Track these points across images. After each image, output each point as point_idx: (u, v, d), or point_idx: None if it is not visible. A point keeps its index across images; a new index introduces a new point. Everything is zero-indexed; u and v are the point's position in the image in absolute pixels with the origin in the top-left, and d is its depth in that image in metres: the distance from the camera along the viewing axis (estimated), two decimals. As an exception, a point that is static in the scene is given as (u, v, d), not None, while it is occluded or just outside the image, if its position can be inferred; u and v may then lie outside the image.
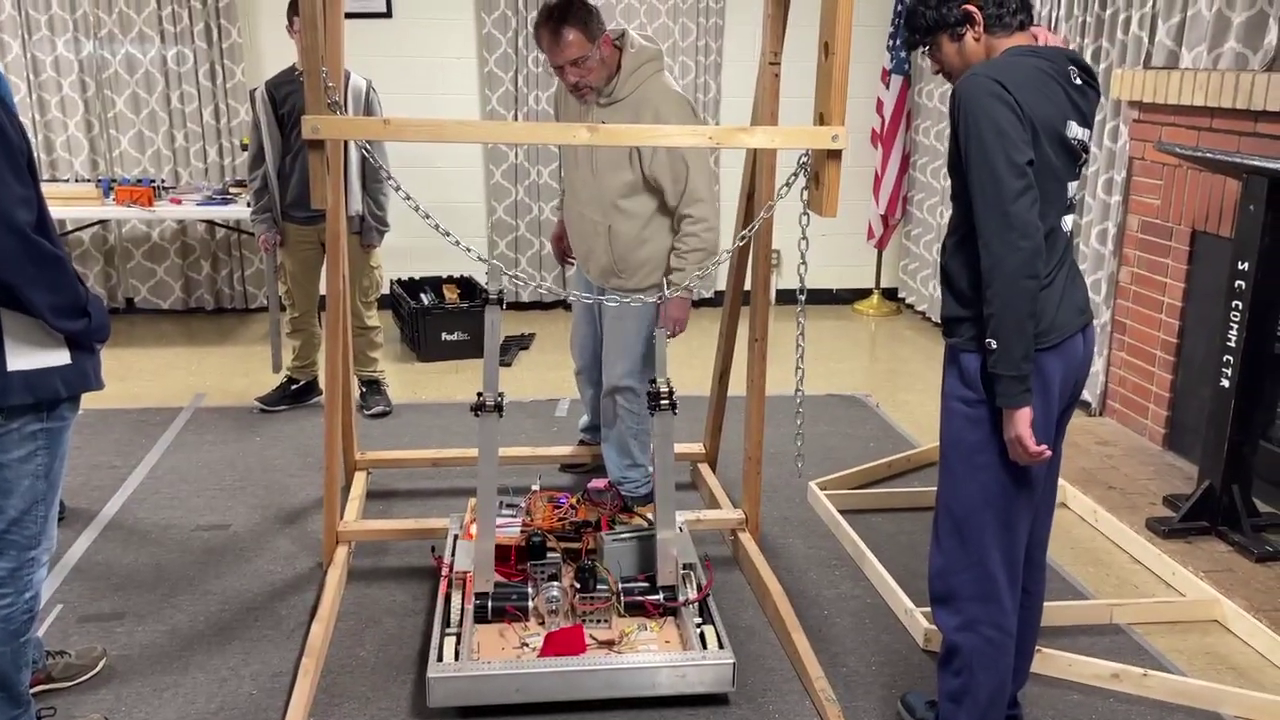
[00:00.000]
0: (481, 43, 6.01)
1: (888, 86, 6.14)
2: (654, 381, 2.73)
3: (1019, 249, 1.95)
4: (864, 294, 6.71)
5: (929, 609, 2.87)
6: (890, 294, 6.73)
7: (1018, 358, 1.99)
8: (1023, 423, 2.01)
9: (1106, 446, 4.27)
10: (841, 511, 3.56)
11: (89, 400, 4.62)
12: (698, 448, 3.91)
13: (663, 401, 2.71)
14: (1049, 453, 2.05)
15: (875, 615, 3.01)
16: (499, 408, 2.68)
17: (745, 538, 3.27)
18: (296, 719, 2.40)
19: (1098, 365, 4.58)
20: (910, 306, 6.62)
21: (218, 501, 3.66)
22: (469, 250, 2.79)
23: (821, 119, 2.76)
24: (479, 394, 2.68)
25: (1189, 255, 4.06)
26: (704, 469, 3.82)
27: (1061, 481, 3.82)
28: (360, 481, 3.67)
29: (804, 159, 2.67)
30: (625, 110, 3.19)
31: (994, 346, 2.00)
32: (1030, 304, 1.98)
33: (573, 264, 3.71)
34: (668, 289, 3.06)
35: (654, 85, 3.20)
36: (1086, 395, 4.67)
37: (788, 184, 2.72)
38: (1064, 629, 2.92)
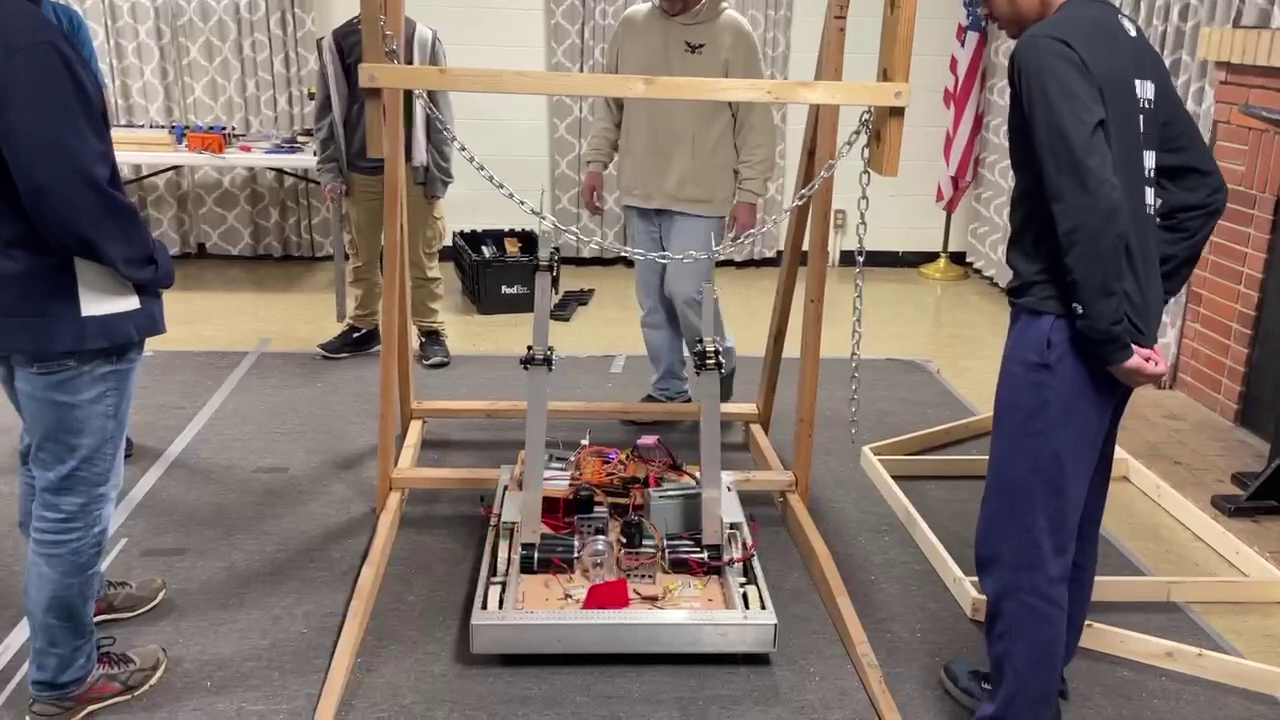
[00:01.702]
0: (549, -6, 5.98)
1: (963, 44, 5.97)
2: (700, 341, 2.71)
3: (1097, 209, 1.85)
4: (931, 257, 6.58)
5: (977, 578, 2.85)
6: (958, 258, 6.59)
7: (1108, 321, 1.90)
8: (1134, 365, 1.94)
9: (1175, 420, 4.15)
10: (895, 477, 3.51)
11: (159, 342, 4.76)
12: (751, 408, 3.89)
13: (708, 361, 2.69)
14: (1164, 365, 2.00)
15: (923, 582, 2.98)
16: (548, 361, 2.69)
17: (794, 500, 3.25)
18: (344, 658, 2.46)
19: (1169, 336, 4.45)
20: (978, 271, 6.48)
21: (278, 444, 3.74)
22: (522, 203, 2.79)
23: (885, 75, 2.70)
24: (529, 347, 2.69)
25: (1272, 224, 3.90)
26: (756, 430, 3.80)
27: (1124, 455, 3.73)
28: (416, 430, 3.72)
29: (865, 116, 2.61)
30: (711, 29, 3.55)
31: (1080, 312, 1.92)
32: (1116, 263, 1.88)
33: (601, 211, 4.04)
34: (738, 195, 3.66)
35: (732, 14, 3.62)
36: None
37: (849, 142, 2.66)
38: (1118, 605, 2.86)
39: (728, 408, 3.91)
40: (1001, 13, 2.09)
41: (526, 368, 2.69)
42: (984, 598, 2.75)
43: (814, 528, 3.09)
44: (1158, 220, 2.08)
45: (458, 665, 2.53)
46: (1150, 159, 2.02)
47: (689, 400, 4.07)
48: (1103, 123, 1.88)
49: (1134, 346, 1.95)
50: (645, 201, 3.77)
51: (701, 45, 3.53)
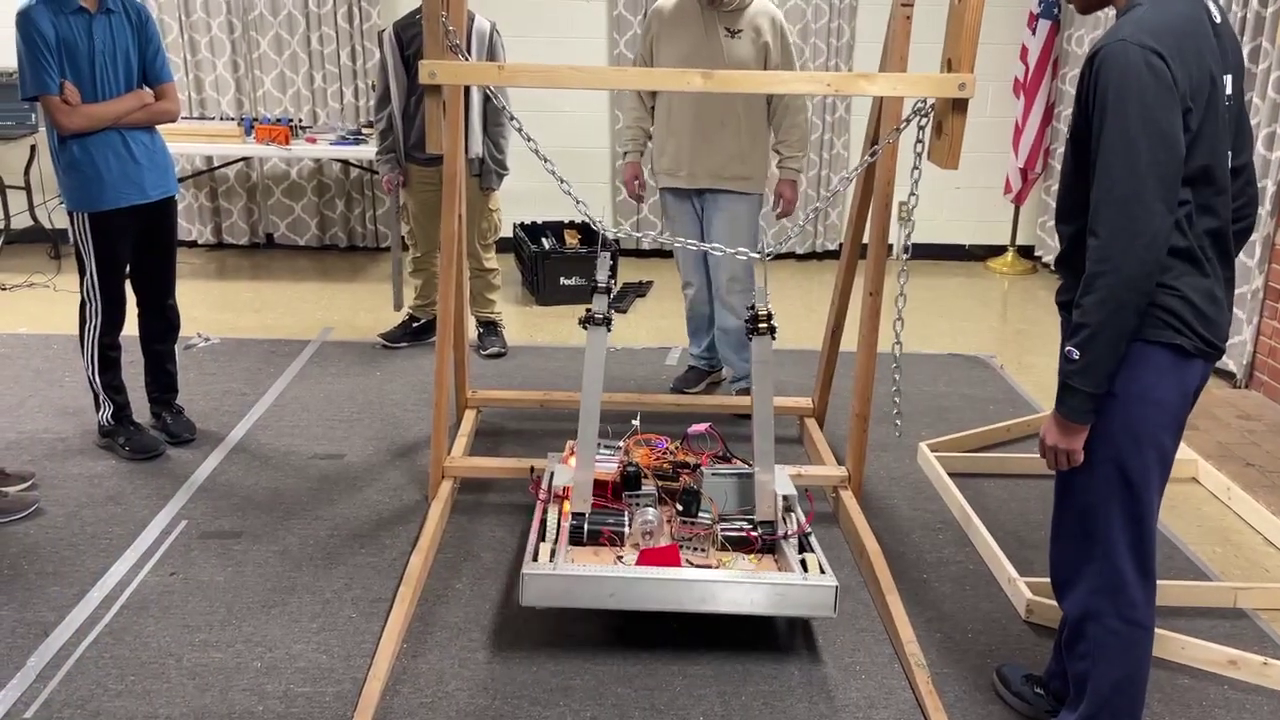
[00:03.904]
0: (611, -15, 5.97)
1: (1034, 32, 5.81)
2: (753, 307, 2.68)
3: (1146, 261, 1.74)
4: (998, 251, 6.44)
5: (1033, 579, 2.78)
6: (1026, 252, 6.44)
7: (1103, 375, 1.83)
8: (1080, 438, 1.88)
9: (1249, 421, 4.00)
10: (952, 474, 3.44)
11: (225, 329, 4.88)
12: (806, 402, 3.84)
13: (761, 325, 2.64)
14: (1082, 458, 1.92)
15: (977, 582, 2.91)
16: (607, 321, 2.68)
17: (847, 496, 3.20)
18: (390, 644, 2.49)
19: (1245, 334, 4.29)
20: (1046, 265, 6.32)
21: (335, 432, 3.80)
22: (578, 202, 2.80)
23: (949, 65, 2.64)
24: (588, 309, 2.69)
25: (1356, 218, 3.74)
26: (811, 424, 3.75)
27: (1194, 456, 3.61)
28: (470, 419, 3.74)
29: (919, 104, 2.55)
30: (746, 16, 3.67)
31: (1076, 358, 1.83)
32: (1134, 321, 1.80)
33: (642, 197, 4.12)
34: (781, 173, 3.82)
35: (763, 2, 3.72)
36: (1231, 365, 4.38)
37: (897, 129, 2.61)
38: (1181, 610, 2.77)
39: (783, 400, 3.87)
40: None
41: (585, 327, 2.68)
42: (1039, 600, 2.70)
43: (866, 524, 3.04)
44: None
45: (502, 654, 2.54)
46: (1230, 159, 1.89)
47: (724, 375, 4.22)
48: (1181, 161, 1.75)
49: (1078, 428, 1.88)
50: (690, 182, 3.83)
51: (740, 30, 3.65)
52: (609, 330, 2.70)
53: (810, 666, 2.52)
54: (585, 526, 2.70)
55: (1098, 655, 2.04)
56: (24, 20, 3.16)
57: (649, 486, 2.85)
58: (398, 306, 4.91)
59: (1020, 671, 2.43)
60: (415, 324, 4.73)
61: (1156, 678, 2.49)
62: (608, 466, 2.92)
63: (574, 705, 2.37)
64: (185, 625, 2.62)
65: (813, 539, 2.70)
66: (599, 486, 2.83)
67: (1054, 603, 2.27)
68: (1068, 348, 1.87)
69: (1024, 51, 5.91)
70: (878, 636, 2.65)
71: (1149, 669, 2.08)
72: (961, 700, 2.42)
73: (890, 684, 2.47)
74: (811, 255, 6.49)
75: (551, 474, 2.96)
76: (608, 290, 2.72)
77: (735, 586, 2.46)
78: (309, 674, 2.45)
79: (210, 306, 5.25)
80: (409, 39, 4.23)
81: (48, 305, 5.20)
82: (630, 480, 2.84)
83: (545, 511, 2.79)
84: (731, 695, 2.41)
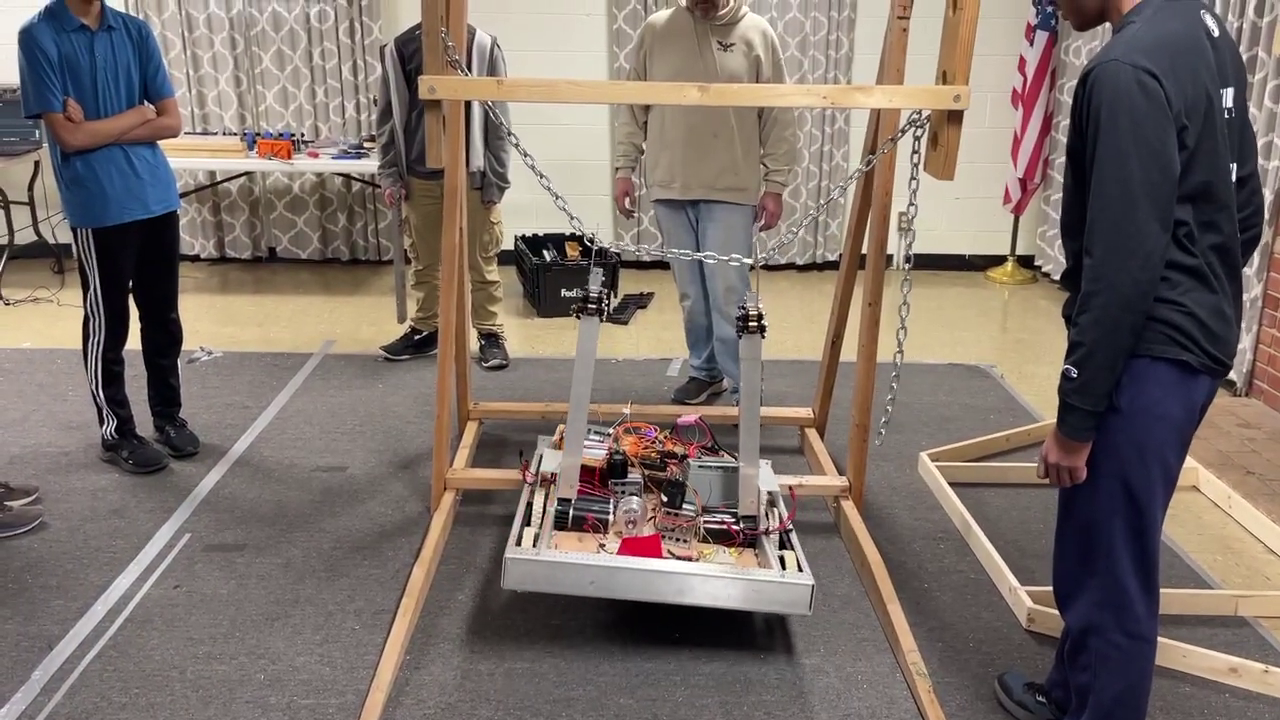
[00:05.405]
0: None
1: (1031, 43, 5.83)
2: (743, 305, 2.70)
3: (1140, 281, 1.75)
4: (998, 261, 6.45)
5: (1034, 588, 2.79)
6: (1026, 261, 6.45)
7: (1101, 393, 1.84)
8: (1082, 455, 1.90)
9: (1249, 429, 4.01)
10: (952, 484, 3.45)
11: (228, 343, 4.90)
12: (806, 413, 3.85)
13: (750, 324, 2.67)
14: (1084, 475, 1.94)
15: (978, 591, 2.92)
16: (600, 312, 2.70)
17: (848, 506, 3.21)
18: (392, 655, 2.50)
19: (1245, 342, 4.30)
20: (1047, 275, 6.33)
21: (338, 444, 3.81)
22: (572, 218, 2.82)
23: (944, 77, 2.66)
24: (585, 294, 2.70)
25: (1354, 226, 3.75)
26: (811, 434, 3.76)
27: (1194, 464, 3.61)
28: (472, 431, 3.75)
29: (914, 115, 2.57)
30: (738, 30, 3.70)
31: (1074, 376, 1.84)
32: (1130, 339, 1.81)
33: (633, 213, 4.15)
34: (766, 185, 3.84)
35: (754, 16, 3.78)
36: (1231, 374, 4.38)
37: (891, 140, 2.62)
38: (1182, 618, 2.77)
39: (783, 411, 3.89)
40: (1069, 3, 1.95)
41: (578, 317, 2.69)
42: (1040, 608, 2.71)
43: (867, 534, 3.05)
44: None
45: (505, 665, 2.55)
46: (1234, 171, 1.89)
47: (725, 385, 4.22)
48: (1174, 181, 1.75)
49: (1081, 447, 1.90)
50: (683, 193, 3.85)
51: (732, 43, 3.69)
52: (601, 321, 2.73)
53: (812, 676, 2.53)
54: (570, 512, 2.73)
55: (1100, 668, 2.05)
56: (26, 38, 3.19)
57: (635, 475, 2.87)
58: (401, 319, 4.93)
59: (1022, 680, 2.44)
60: (417, 336, 4.74)
61: (1158, 686, 2.49)
62: (596, 453, 2.95)
63: (576, 716, 2.37)
64: (189, 638, 2.63)
65: (793, 536, 2.73)
66: (586, 472, 2.86)
67: (1055, 611, 2.28)
68: (1065, 366, 1.88)
69: (1021, 62, 5.93)
70: (879, 646, 2.65)
71: (1151, 681, 2.08)
72: (964, 709, 2.42)
73: (892, 693, 2.47)
74: (811, 266, 6.50)
75: (540, 457, 2.98)
76: (599, 303, 2.74)
77: (712, 580, 2.50)
78: (312, 686, 2.46)
79: (213, 320, 5.27)
80: (410, 54, 4.26)
81: (51, 320, 5.23)
82: (616, 468, 2.86)
83: (531, 495, 2.82)
84: (733, 705, 2.42)
